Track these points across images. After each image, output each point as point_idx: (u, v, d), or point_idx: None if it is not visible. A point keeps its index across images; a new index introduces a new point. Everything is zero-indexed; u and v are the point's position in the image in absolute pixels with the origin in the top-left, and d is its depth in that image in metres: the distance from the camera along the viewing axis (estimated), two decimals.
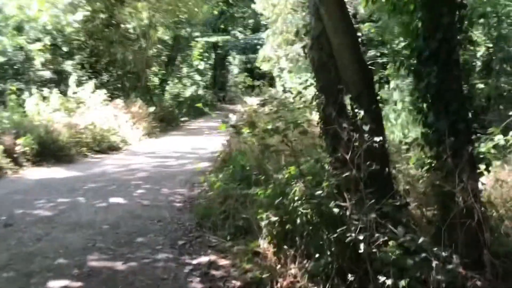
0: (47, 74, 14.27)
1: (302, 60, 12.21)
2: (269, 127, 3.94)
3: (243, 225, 4.99)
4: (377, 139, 4.05)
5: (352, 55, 4.24)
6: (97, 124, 11.56)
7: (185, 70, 27.20)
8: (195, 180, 7.96)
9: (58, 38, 15.69)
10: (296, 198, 3.67)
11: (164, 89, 22.58)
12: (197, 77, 29.07)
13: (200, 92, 26.90)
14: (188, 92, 25.18)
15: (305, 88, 5.65)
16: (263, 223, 4.20)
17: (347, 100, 4.25)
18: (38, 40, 14.29)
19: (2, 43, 13.13)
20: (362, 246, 3.56)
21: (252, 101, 13.17)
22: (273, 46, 18.18)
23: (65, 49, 16.12)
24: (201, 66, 30.32)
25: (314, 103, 4.69)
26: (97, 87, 13.06)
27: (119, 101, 13.61)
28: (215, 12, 26.28)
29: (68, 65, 14.72)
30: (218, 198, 5.86)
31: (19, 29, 14.57)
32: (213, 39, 26.69)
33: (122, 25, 17.22)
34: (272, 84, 19.99)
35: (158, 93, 21.10)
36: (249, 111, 10.66)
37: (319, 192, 3.68)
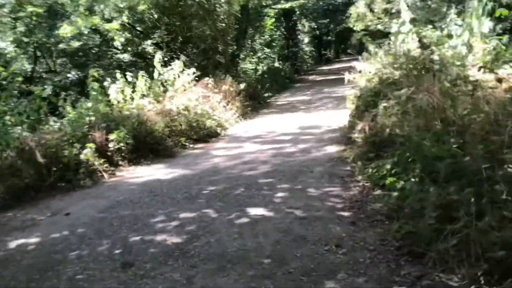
0: (127, 57, 12.78)
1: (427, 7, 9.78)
2: None
3: (506, 260, 3.01)
4: None
5: None
6: (191, 108, 9.92)
7: (258, 42, 25.12)
8: (340, 172, 6.07)
9: (131, 18, 14.22)
10: None
11: (238, 64, 20.69)
12: (270, 49, 26.96)
13: (276, 64, 24.85)
14: (265, 66, 23.17)
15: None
16: None
17: None
18: (113, 19, 12.78)
19: (76, 25, 11.66)
20: None
21: (364, 66, 10.99)
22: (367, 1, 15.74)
23: (139, 28, 14.65)
24: (274, 36, 28.17)
25: None
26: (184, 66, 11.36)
27: (208, 80, 11.86)
28: None
29: (147, 45, 13.11)
30: (420, 207, 3.90)
31: (90, 10, 13.13)
32: (287, 5, 24.29)
33: None
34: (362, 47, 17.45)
35: (234, 69, 19.28)
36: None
37: None
